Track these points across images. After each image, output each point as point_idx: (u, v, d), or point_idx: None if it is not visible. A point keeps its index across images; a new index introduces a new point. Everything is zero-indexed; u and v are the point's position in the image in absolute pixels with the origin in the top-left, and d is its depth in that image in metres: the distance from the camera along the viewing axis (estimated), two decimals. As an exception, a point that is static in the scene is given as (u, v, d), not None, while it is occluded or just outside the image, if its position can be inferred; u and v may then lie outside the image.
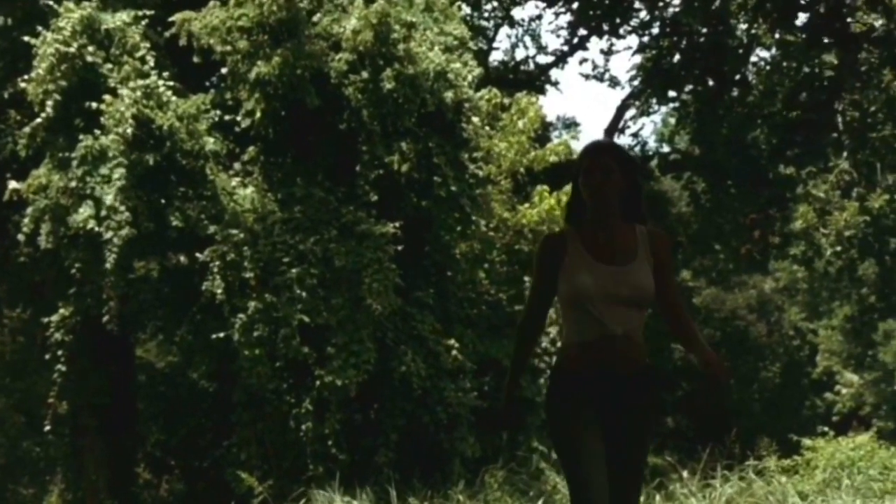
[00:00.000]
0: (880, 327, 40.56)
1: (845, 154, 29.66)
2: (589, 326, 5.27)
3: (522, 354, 5.73)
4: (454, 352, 18.41)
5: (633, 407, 5.31)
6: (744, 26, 28.02)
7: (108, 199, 16.74)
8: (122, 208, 16.75)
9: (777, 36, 26.18)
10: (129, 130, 16.80)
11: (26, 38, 17.73)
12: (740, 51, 28.65)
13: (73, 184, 17.11)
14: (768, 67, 28.85)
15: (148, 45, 17.79)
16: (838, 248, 31.92)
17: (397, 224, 17.87)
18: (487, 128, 21.02)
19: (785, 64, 28.10)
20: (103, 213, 16.79)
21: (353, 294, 17.57)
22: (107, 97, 17.12)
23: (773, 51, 28.31)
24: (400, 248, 17.84)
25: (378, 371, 17.63)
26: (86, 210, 16.94)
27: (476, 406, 18.57)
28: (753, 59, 29.36)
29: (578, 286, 5.25)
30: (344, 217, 17.82)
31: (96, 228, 16.80)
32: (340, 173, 18.35)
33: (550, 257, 5.37)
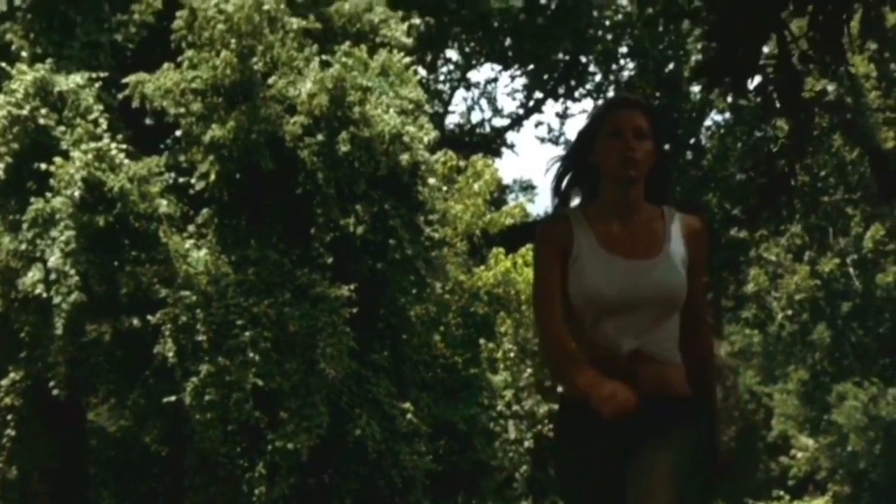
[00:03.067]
0: (834, 389, 40.71)
1: (797, 218, 29.87)
2: (598, 342, 4.04)
3: (577, 353, 4.04)
4: (409, 415, 18.32)
5: (667, 434, 4.00)
6: (697, 89, 28.26)
7: (57, 263, 16.62)
8: (72, 272, 16.64)
9: (730, 100, 26.42)
10: (78, 193, 16.72)
11: (-22, 101, 17.64)
12: (694, 114, 28.88)
13: (24, 246, 16.99)
14: (722, 131, 29.12)
15: (101, 107, 17.73)
16: (789, 312, 32.10)
17: (352, 287, 17.80)
18: (443, 190, 21.04)
19: (738, 129, 28.35)
20: (52, 276, 16.68)
21: (306, 358, 17.47)
22: (57, 159, 17.04)
23: (727, 115, 28.58)
24: (355, 310, 17.77)
25: (332, 435, 17.50)
26: (35, 274, 16.83)
27: (431, 469, 18.46)
28: (707, 122, 29.64)
29: (589, 289, 4.02)
30: (298, 280, 17.75)
31: (44, 294, 16.70)
32: (295, 236, 18.29)
33: (557, 245, 4.09)
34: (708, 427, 4.15)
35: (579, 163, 4.21)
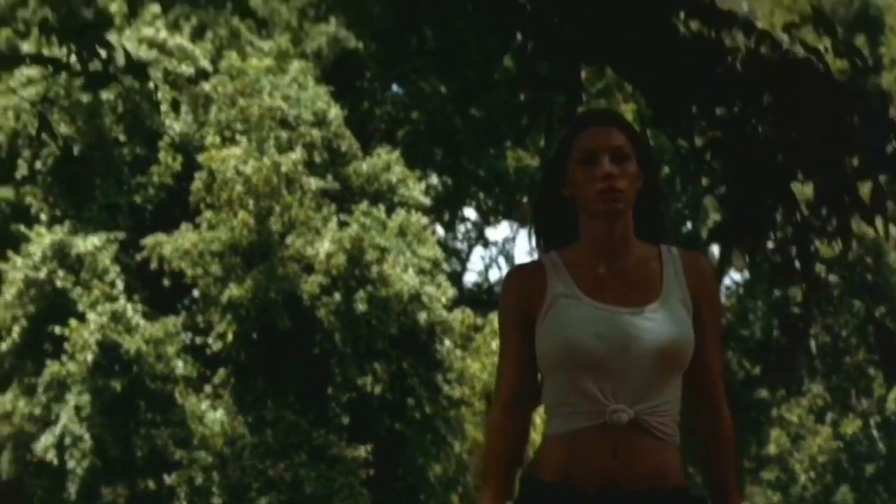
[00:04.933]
0: (861, 553, 39.99)
1: (818, 378, 29.64)
2: (580, 408, 3.16)
3: (507, 470, 3.32)
4: (428, 579, 17.98)
5: None
6: (715, 250, 28.27)
7: (72, 428, 16.60)
8: (87, 436, 16.60)
9: (748, 259, 26.43)
10: (92, 357, 16.69)
11: (-4, 263, 17.74)
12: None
13: (38, 410, 16.97)
14: (741, 290, 29.04)
15: (118, 268, 17.79)
16: (812, 474, 31.68)
17: (369, 447, 17.62)
18: (461, 349, 20.93)
19: (758, 288, 28.28)
20: (67, 441, 16.63)
21: (323, 520, 17.23)
22: (72, 322, 17.04)
23: (746, 273, 28.53)
24: (372, 472, 17.56)
25: None
26: (48, 438, 16.78)
27: None
28: (727, 282, 29.58)
29: (564, 343, 3.16)
30: (315, 440, 17.58)
31: (55, 462, 16.63)
32: (312, 396, 18.16)
33: (524, 298, 3.25)
34: None
35: (551, 199, 3.34)
